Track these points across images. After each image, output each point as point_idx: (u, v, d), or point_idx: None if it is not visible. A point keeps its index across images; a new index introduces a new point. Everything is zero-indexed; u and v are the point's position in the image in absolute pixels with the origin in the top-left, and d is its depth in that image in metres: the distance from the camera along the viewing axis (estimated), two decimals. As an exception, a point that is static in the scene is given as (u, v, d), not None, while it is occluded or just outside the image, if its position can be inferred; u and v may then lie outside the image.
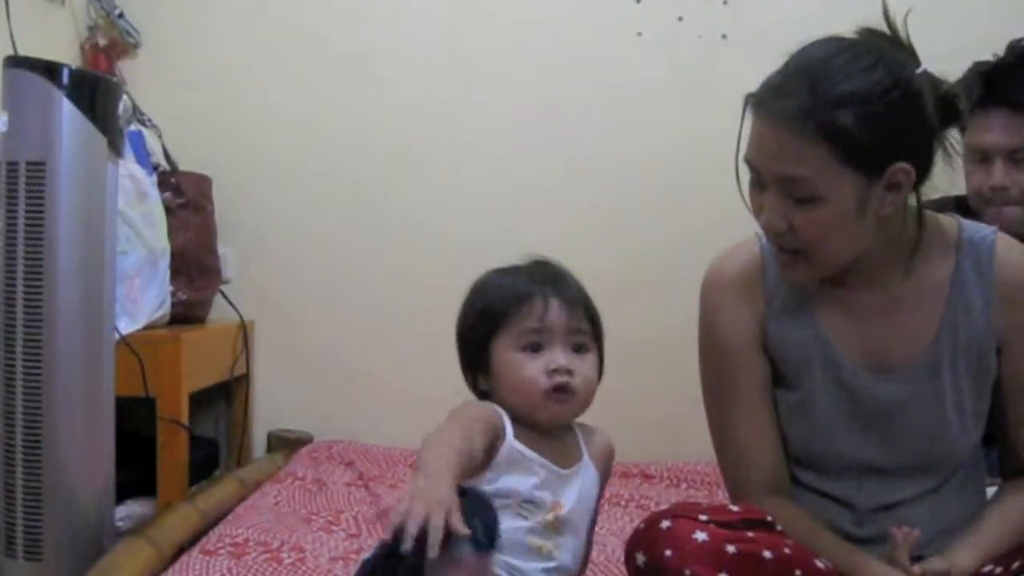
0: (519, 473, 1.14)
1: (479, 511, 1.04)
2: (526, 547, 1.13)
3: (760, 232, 1.32)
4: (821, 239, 1.19)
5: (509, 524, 1.11)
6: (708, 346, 1.36)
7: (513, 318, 1.18)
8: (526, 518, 1.14)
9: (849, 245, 1.21)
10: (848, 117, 1.12)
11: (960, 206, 1.79)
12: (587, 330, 1.21)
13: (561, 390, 1.16)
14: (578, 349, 1.19)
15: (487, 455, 1.12)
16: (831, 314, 1.30)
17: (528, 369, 1.16)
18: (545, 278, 1.22)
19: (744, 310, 1.32)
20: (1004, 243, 1.30)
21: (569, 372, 1.17)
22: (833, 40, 1.19)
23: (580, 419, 1.25)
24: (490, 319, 1.19)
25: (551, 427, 1.21)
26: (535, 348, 1.17)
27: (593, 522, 1.28)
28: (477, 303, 1.23)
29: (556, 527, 1.16)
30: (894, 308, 1.29)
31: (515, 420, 1.17)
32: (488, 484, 1.13)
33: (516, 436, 1.16)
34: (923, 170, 1.19)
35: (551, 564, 1.15)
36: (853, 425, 1.29)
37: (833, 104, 1.12)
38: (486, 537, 1.03)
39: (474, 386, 1.24)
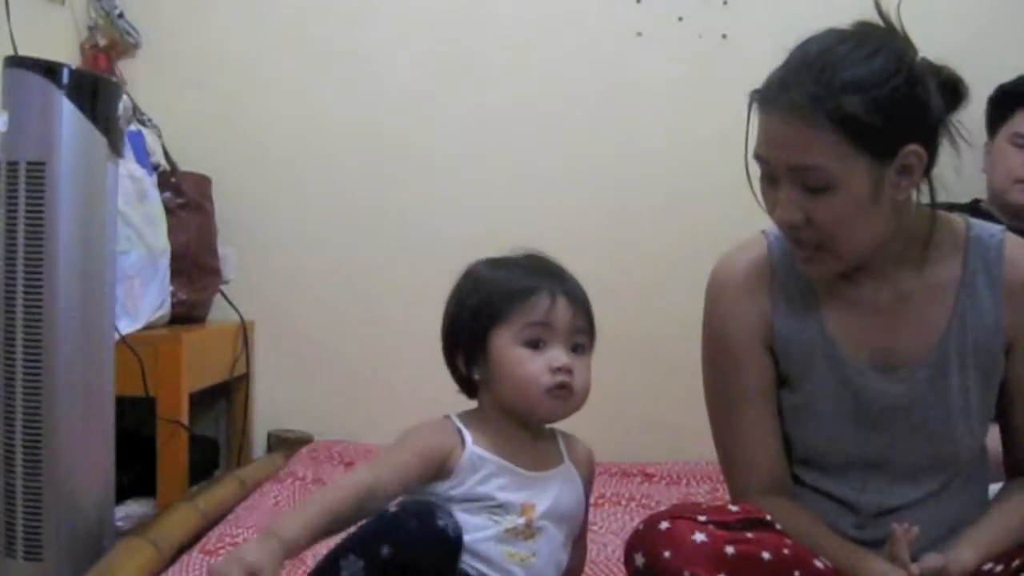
0: (482, 476, 1.14)
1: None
2: (500, 558, 1.13)
3: (767, 230, 1.31)
4: (840, 228, 1.18)
5: (480, 527, 1.13)
6: (713, 343, 1.36)
7: (517, 311, 1.16)
8: (497, 522, 1.13)
9: (868, 233, 1.20)
10: (856, 102, 1.12)
11: (974, 211, 1.82)
12: (586, 330, 1.20)
13: (562, 388, 1.16)
14: (575, 349, 1.19)
15: (443, 470, 1.15)
16: (837, 311, 1.29)
17: (530, 366, 1.15)
18: (549, 273, 1.21)
19: (751, 308, 1.31)
20: (1012, 242, 1.30)
21: (569, 371, 1.16)
22: (832, 32, 1.19)
23: (562, 427, 1.25)
24: (491, 310, 1.18)
25: (545, 423, 1.21)
26: (536, 344, 1.16)
27: (583, 529, 1.28)
28: (474, 293, 1.21)
29: (529, 533, 1.15)
30: (902, 305, 1.28)
31: (488, 423, 1.18)
32: (454, 490, 1.14)
33: (477, 442, 1.16)
34: (931, 154, 1.18)
35: (528, 573, 1.14)
36: (857, 424, 1.28)
37: (839, 91, 1.12)
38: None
39: (460, 373, 1.23)
